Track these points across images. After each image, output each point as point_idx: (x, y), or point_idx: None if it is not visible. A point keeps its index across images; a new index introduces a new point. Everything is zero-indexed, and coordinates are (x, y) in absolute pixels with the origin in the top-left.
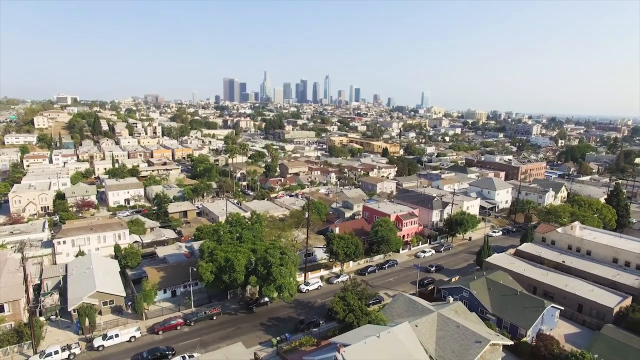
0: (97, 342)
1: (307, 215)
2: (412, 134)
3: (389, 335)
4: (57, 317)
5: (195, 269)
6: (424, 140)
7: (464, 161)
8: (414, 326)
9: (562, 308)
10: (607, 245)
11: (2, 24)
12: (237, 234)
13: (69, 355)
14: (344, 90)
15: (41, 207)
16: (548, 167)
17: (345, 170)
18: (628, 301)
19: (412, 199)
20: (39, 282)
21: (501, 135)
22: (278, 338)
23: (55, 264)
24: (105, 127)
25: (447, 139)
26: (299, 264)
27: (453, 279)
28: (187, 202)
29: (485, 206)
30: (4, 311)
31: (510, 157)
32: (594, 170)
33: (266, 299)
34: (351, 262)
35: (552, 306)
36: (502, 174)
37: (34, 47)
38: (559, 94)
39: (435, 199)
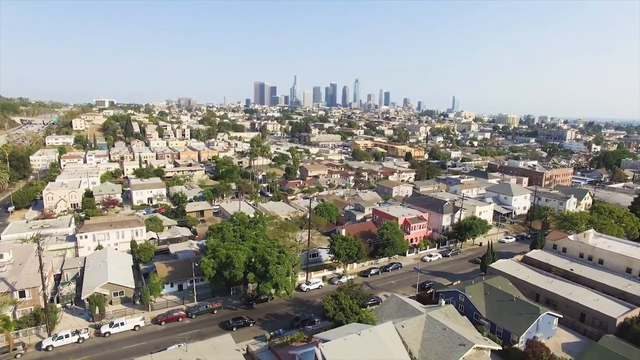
0: (104, 329)
1: (309, 217)
2: (439, 138)
3: (370, 333)
4: (72, 304)
5: (197, 265)
6: (450, 145)
7: (486, 166)
8: (401, 326)
9: (561, 316)
10: (620, 255)
11: (52, 32)
12: (240, 233)
13: (78, 339)
14: (374, 94)
15: (71, 204)
16: (579, 173)
17: (364, 173)
18: (635, 312)
19: (423, 203)
20: (59, 272)
21: (532, 140)
22: (272, 333)
23: (77, 256)
24: (136, 129)
25: (475, 143)
26: (302, 264)
27: (455, 283)
28: (205, 202)
29: (500, 212)
30: (25, 296)
31: (535, 162)
32: (628, 177)
33: (266, 296)
34: (355, 264)
35: (548, 313)
36: (525, 179)
37: (78, 53)
38: (603, 96)
39: (446, 204)
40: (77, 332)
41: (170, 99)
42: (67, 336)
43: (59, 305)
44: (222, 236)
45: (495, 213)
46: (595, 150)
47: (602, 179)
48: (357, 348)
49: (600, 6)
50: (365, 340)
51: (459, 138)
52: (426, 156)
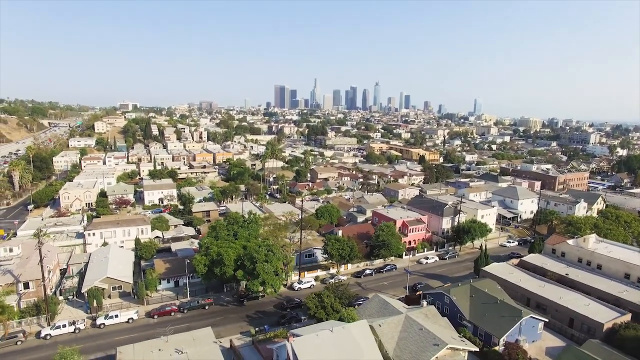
0: (99, 320)
1: (300, 218)
2: (457, 142)
3: (342, 330)
4: (73, 297)
5: (189, 262)
6: (468, 148)
7: (492, 170)
8: (378, 325)
9: (546, 320)
10: (619, 260)
11: (82, 37)
12: (234, 232)
13: (74, 329)
14: (394, 97)
15: (86, 204)
16: (599, 178)
17: (374, 176)
18: (626, 318)
19: (425, 206)
20: (65, 267)
21: (554, 144)
22: (257, 329)
23: (85, 252)
24: (155, 131)
25: (494, 147)
26: (296, 264)
27: (445, 285)
28: (212, 203)
29: (506, 215)
30: (29, 288)
31: (549, 166)
32: None
33: (258, 293)
34: (350, 265)
35: (531, 317)
36: (538, 183)
37: (103, 56)
38: (635, 99)
39: (447, 207)
40: (74, 322)
41: (193, 102)
42: (64, 326)
43: (61, 298)
44: (215, 235)
45: (501, 217)
46: (619, 154)
47: (623, 184)
48: (327, 344)
49: (633, 4)
50: (337, 336)
51: (477, 141)
52: (441, 159)
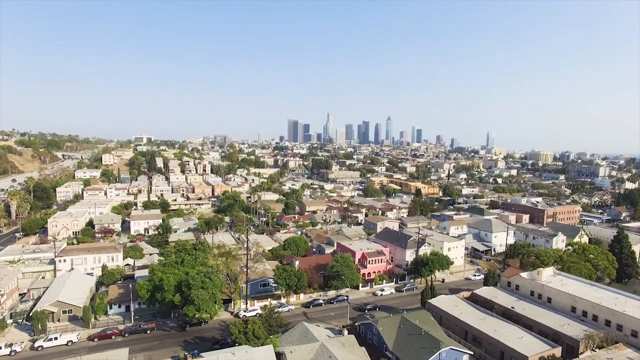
0: (38, 343)
1: (246, 247)
2: (462, 175)
3: (245, 354)
4: (22, 320)
5: (132, 287)
6: (472, 182)
7: (487, 203)
8: (289, 352)
9: (471, 352)
10: (566, 293)
11: (103, 74)
12: (181, 259)
13: (10, 351)
14: (406, 132)
15: (73, 232)
16: (600, 211)
17: (363, 209)
18: (555, 351)
19: (391, 238)
20: (26, 291)
21: (562, 177)
22: (187, 353)
23: (55, 278)
24: (160, 164)
25: (499, 180)
26: (250, 293)
27: (390, 315)
28: (190, 233)
29: (478, 248)
30: None
31: (539, 199)
32: None
33: (201, 319)
34: (302, 295)
35: (451, 348)
36: (526, 216)
37: (124, 92)
38: None
39: (411, 239)
40: (11, 345)
41: (207, 136)
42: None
43: (10, 321)
44: (163, 261)
45: (472, 249)
46: (626, 188)
47: (621, 218)
48: None
49: None
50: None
51: (483, 175)
52: (440, 193)
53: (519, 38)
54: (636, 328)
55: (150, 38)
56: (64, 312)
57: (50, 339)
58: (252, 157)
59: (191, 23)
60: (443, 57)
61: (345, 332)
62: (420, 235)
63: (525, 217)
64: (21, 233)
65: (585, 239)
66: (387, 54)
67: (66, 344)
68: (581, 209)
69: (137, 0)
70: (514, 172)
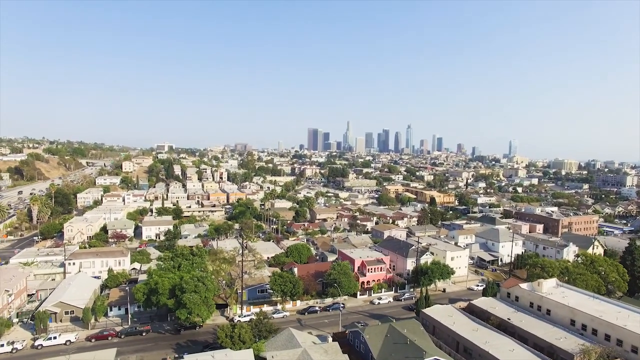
0: (38, 342)
1: (241, 253)
2: (481, 184)
3: (224, 357)
4: (27, 320)
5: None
6: (491, 191)
7: (501, 213)
8: (271, 357)
9: None
10: (565, 306)
11: (134, 84)
12: (178, 263)
13: (11, 349)
14: (427, 140)
15: (87, 237)
16: (624, 222)
17: (375, 218)
18: None
19: (393, 246)
20: (34, 292)
21: (585, 186)
22: (176, 356)
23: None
24: (177, 171)
25: (519, 189)
26: (249, 298)
27: (379, 323)
28: (197, 240)
29: (484, 258)
30: None
31: (555, 209)
32: None
33: (196, 323)
34: (299, 302)
35: (435, 358)
36: (540, 226)
37: (150, 101)
38: None
39: (412, 248)
40: (13, 343)
41: (229, 144)
42: (1, 345)
43: (15, 320)
44: (162, 266)
45: (478, 259)
46: None
47: None
48: None
49: None
50: None
51: (502, 184)
52: (456, 202)
53: (543, 47)
54: (636, 344)
55: (179, 50)
56: (66, 312)
57: (50, 338)
58: (270, 165)
59: (218, 37)
60: (466, 65)
61: (330, 339)
62: (420, 244)
63: (539, 227)
64: (39, 237)
65: (600, 250)
66: (409, 61)
67: (64, 344)
68: (602, 219)
69: (170, 15)
70: (535, 181)
